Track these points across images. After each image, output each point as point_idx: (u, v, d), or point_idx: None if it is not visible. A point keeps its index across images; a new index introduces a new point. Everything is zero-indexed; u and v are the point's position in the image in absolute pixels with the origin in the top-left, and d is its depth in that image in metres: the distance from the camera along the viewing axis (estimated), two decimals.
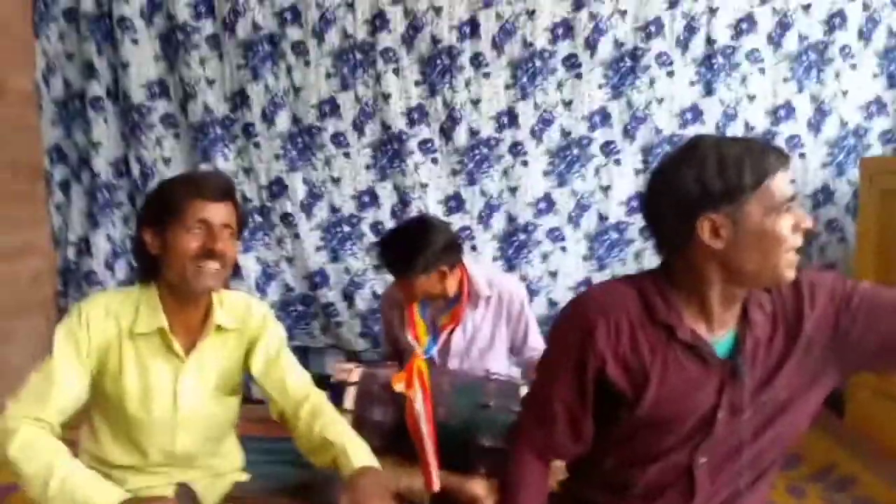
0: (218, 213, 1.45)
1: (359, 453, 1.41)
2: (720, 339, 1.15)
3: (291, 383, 1.57)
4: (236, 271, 3.11)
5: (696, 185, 1.07)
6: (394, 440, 2.06)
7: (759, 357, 1.14)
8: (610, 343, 1.14)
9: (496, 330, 2.32)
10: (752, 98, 2.92)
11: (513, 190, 3.06)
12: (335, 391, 2.20)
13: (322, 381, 3.31)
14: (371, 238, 3.12)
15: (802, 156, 2.93)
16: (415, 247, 2.14)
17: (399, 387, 2.05)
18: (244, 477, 1.71)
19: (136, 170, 3.16)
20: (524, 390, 2.09)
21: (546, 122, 3.01)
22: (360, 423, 2.07)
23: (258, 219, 3.16)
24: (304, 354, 3.21)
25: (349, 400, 2.12)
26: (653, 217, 1.19)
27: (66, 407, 1.42)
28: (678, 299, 1.15)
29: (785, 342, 1.14)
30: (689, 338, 1.13)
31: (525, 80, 2.99)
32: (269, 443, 2.26)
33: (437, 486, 1.98)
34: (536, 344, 2.34)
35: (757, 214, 1.06)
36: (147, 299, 1.49)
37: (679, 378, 1.13)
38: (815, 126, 2.91)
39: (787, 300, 1.16)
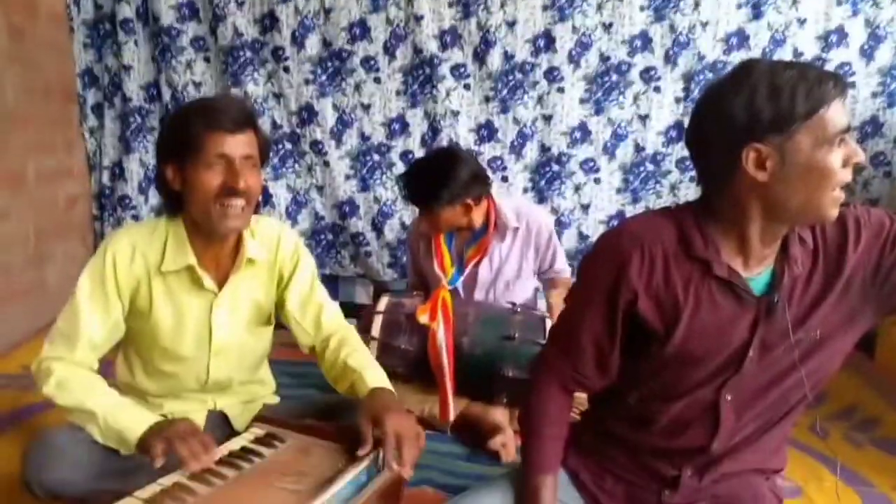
0: (238, 145, 1.37)
1: (375, 377, 1.44)
2: (757, 275, 1.12)
3: (325, 321, 1.59)
4: (267, 199, 3.13)
5: (745, 113, 1.01)
6: (418, 368, 2.10)
7: (796, 294, 1.11)
8: (643, 276, 1.12)
9: (523, 261, 2.32)
10: (802, 22, 2.76)
11: (547, 118, 2.98)
12: (363, 320, 2.24)
13: (351, 309, 3.40)
14: (401, 167, 3.09)
15: (853, 84, 2.77)
16: (440, 179, 2.12)
17: (423, 318, 2.07)
18: (275, 400, 1.77)
19: (167, 94, 3.16)
20: (549, 324, 2.09)
21: (584, 46, 2.90)
22: (386, 351, 2.12)
23: (288, 146, 3.15)
24: (333, 283, 3.26)
25: (376, 328, 2.15)
26: (696, 145, 1.13)
27: (96, 344, 1.44)
28: (716, 234, 1.11)
29: (824, 280, 1.11)
30: (725, 274, 1.10)
31: (563, 0, 2.86)
32: (298, 367, 2.33)
33: (451, 416, 2.03)
34: (562, 267, 2.34)
35: (807, 146, 1.00)
36: (174, 234, 1.46)
37: (712, 315, 1.11)
38: (867, 53, 2.75)
39: (830, 236, 1.12)
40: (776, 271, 1.12)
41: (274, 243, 1.57)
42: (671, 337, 1.11)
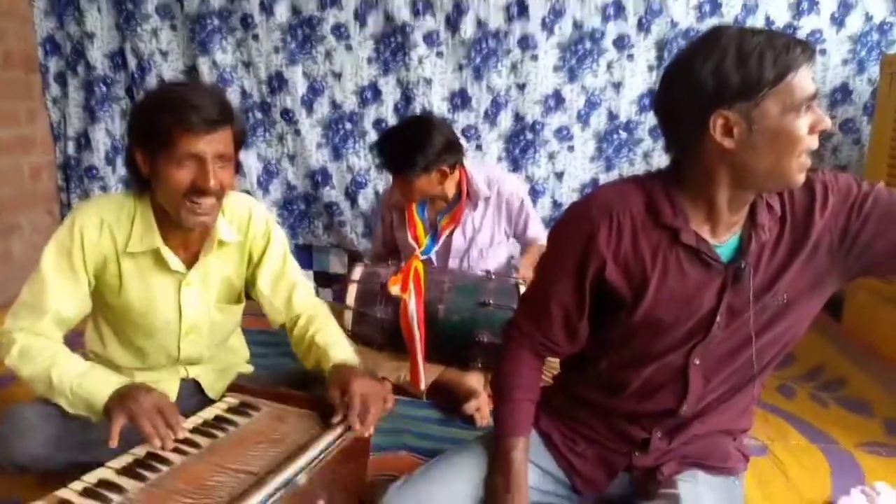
0: (210, 144, 1.31)
1: (339, 353, 1.44)
2: (725, 242, 1.13)
3: (296, 300, 1.59)
4: (237, 168, 3.07)
5: (713, 79, 1.02)
6: (393, 336, 2.11)
7: (763, 260, 1.12)
8: (611, 244, 1.13)
9: (496, 228, 2.32)
10: None
11: (520, 86, 2.96)
12: (338, 288, 2.23)
13: (325, 278, 3.38)
14: (373, 136, 3.05)
15: (823, 52, 2.79)
16: (415, 145, 2.10)
17: (395, 289, 2.07)
18: (248, 369, 1.77)
19: (132, 62, 3.07)
20: (523, 290, 2.11)
21: (557, 13, 2.87)
22: (362, 320, 2.12)
23: (259, 115, 3.10)
24: (307, 252, 3.23)
25: (351, 297, 2.15)
26: (664, 112, 1.13)
27: (63, 316, 1.42)
28: (685, 201, 1.12)
29: (791, 245, 1.13)
30: (693, 241, 1.11)
31: None
32: (271, 336, 2.32)
33: (423, 385, 2.05)
34: (535, 234, 2.34)
35: (774, 112, 1.01)
36: (142, 214, 1.42)
37: (679, 282, 1.12)
38: (838, 21, 2.77)
39: (797, 202, 1.13)
40: (743, 238, 1.13)
41: (245, 222, 1.54)
42: (639, 304, 1.13)
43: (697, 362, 1.16)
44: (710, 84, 1.02)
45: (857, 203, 1.11)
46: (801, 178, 1.06)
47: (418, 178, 2.14)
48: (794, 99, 1.00)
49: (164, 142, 1.29)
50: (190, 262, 1.48)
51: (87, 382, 1.30)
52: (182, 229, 1.42)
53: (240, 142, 1.42)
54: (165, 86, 1.57)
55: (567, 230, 1.19)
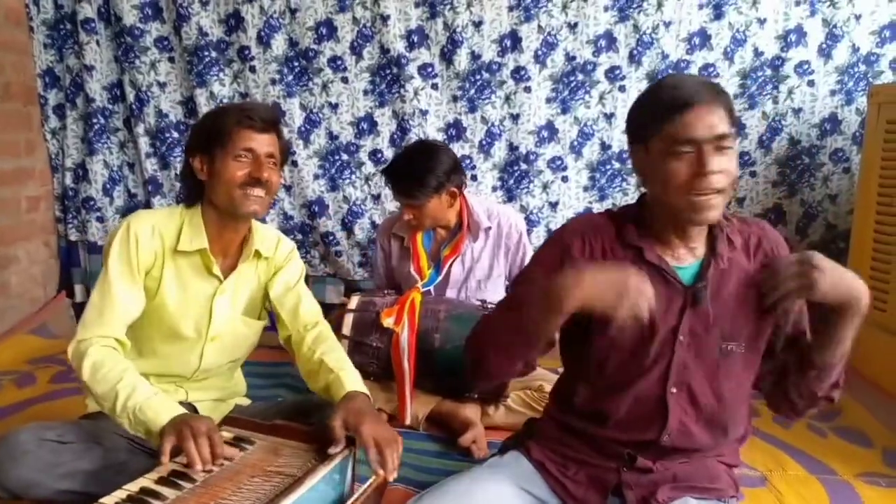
0: (263, 142, 1.52)
1: (351, 380, 1.47)
2: (687, 265, 1.24)
3: (303, 310, 1.66)
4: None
5: (631, 118, 1.24)
6: (388, 366, 2.10)
7: (724, 287, 1.22)
8: (584, 257, 1.24)
9: (494, 261, 2.33)
10: (762, 22, 2.81)
11: (514, 117, 3.00)
12: (335, 319, 2.23)
13: (322, 308, 3.36)
14: (370, 166, 3.09)
15: (811, 83, 2.84)
16: (425, 167, 2.13)
17: (388, 322, 2.07)
18: (246, 402, 1.78)
19: (130, 94, 3.11)
20: None
21: (550, 45, 2.92)
22: (357, 349, 2.12)
23: None
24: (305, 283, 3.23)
25: (347, 326, 2.15)
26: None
27: (127, 319, 1.50)
28: (648, 227, 1.25)
29: (750, 280, 1.23)
30: (656, 259, 1.22)
31: (529, 0, 2.89)
32: (270, 367, 2.32)
33: (408, 420, 2.04)
34: None
35: (657, 152, 1.16)
36: (191, 219, 1.56)
37: None
38: (825, 52, 2.82)
39: (761, 243, 1.26)
40: (704, 264, 1.24)
41: (274, 244, 1.69)
42: (609, 320, 1.15)
43: (674, 391, 1.23)
44: (632, 121, 1.25)
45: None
46: (699, 215, 1.15)
47: (430, 201, 2.15)
48: (673, 142, 1.13)
49: (224, 139, 1.50)
50: (225, 273, 1.60)
51: (149, 408, 1.32)
52: (225, 236, 1.58)
53: (285, 154, 1.61)
54: (225, 104, 1.73)
55: (544, 249, 1.33)
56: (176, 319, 1.56)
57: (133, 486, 1.17)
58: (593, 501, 1.28)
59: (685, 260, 1.24)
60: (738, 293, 1.22)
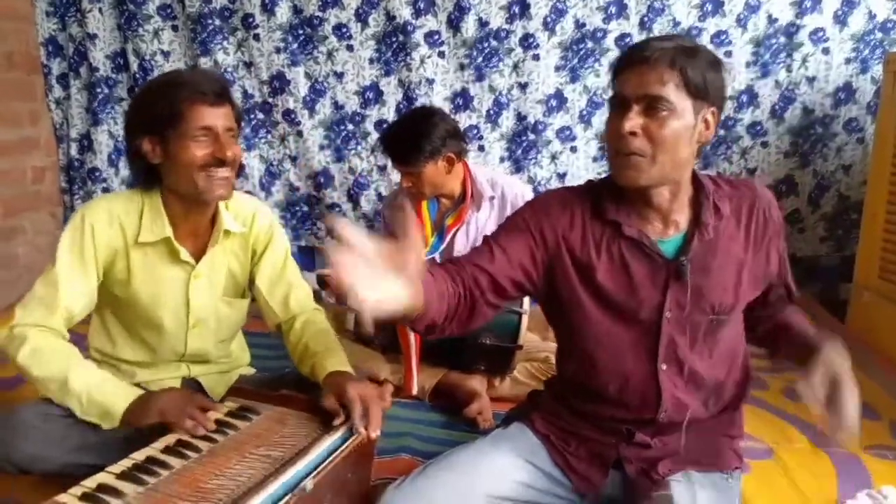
0: (220, 117, 1.38)
1: (334, 361, 1.45)
2: (668, 238, 1.19)
3: (293, 302, 1.60)
4: (240, 170, 3.07)
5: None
6: (394, 338, 2.10)
7: (712, 259, 1.18)
8: (563, 222, 1.21)
9: None
10: None
11: (523, 86, 2.95)
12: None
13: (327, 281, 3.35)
14: (376, 137, 3.05)
15: (826, 51, 2.78)
16: (420, 132, 2.10)
17: None
18: (250, 371, 1.77)
19: (134, 64, 3.07)
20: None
21: (559, 12, 2.86)
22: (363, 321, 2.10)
23: (260, 116, 3.09)
24: (309, 254, 3.23)
25: None
26: None
27: (73, 313, 1.43)
28: (627, 200, 1.19)
29: (744, 244, 1.20)
30: (635, 234, 1.17)
31: None
32: (273, 339, 2.31)
33: (414, 391, 2.04)
34: None
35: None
36: (150, 206, 1.45)
37: (623, 274, 1.18)
38: (841, 19, 2.75)
39: (750, 206, 1.22)
40: (687, 235, 1.19)
41: (249, 218, 1.57)
42: (588, 290, 1.17)
43: (664, 367, 1.20)
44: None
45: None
46: (622, 176, 1.13)
47: (426, 167, 2.12)
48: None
49: (177, 119, 1.35)
50: (197, 256, 1.51)
51: (105, 390, 1.32)
52: (190, 219, 1.47)
53: (239, 120, 1.47)
54: (164, 73, 1.63)
55: (524, 208, 1.27)
56: (153, 310, 1.49)
57: (139, 455, 1.18)
58: (595, 475, 1.28)
59: (667, 233, 1.19)
60: (727, 263, 1.19)
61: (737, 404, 1.32)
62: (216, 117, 1.37)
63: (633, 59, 1.10)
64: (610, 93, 1.17)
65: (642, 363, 1.21)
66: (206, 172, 1.37)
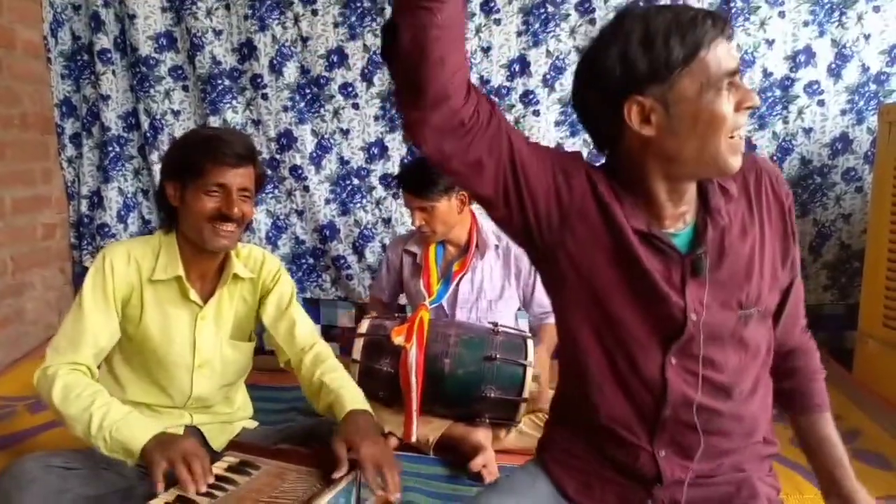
0: (236, 177, 1.48)
1: (352, 398, 1.47)
2: (679, 231, 1.06)
3: (299, 333, 1.64)
4: (247, 224, 3.12)
5: (620, 65, 0.96)
6: (398, 390, 2.09)
7: (731, 245, 1.05)
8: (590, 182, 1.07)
9: (505, 282, 2.34)
10: (770, 43, 2.82)
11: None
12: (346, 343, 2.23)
13: (333, 332, 3.37)
14: (380, 191, 3.11)
15: (822, 103, 2.83)
16: (435, 170, 2.14)
17: (399, 340, 2.07)
18: (252, 425, 1.77)
19: (145, 123, 3.15)
20: (531, 344, 2.10)
21: (558, 69, 2.94)
22: (368, 374, 2.11)
23: (268, 172, 3.15)
24: (314, 306, 3.24)
25: (357, 351, 2.15)
26: (580, 108, 1.07)
27: (100, 349, 1.50)
28: (625, 197, 1.05)
29: (759, 224, 1.07)
30: (644, 227, 1.03)
31: (537, 25, 2.91)
32: (277, 391, 2.31)
33: (414, 438, 2.03)
34: (544, 301, 2.33)
35: (692, 92, 0.94)
36: (166, 247, 1.55)
37: (634, 271, 1.04)
38: (835, 72, 2.82)
39: (756, 179, 1.09)
40: (699, 226, 1.06)
41: (258, 264, 1.67)
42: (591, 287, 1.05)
43: (674, 362, 1.05)
44: (617, 71, 0.97)
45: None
46: (734, 160, 0.98)
47: (440, 201, 2.17)
48: (710, 76, 0.94)
49: (195, 172, 1.47)
50: (205, 298, 1.59)
51: (125, 427, 1.33)
52: (202, 262, 1.57)
53: (260, 183, 1.58)
54: (200, 128, 1.72)
55: (554, 150, 1.11)
56: (162, 346, 1.56)
57: None
58: None
59: (675, 225, 1.06)
60: (747, 249, 1.05)
61: (761, 410, 1.16)
62: (233, 176, 1.48)
63: (721, 27, 0.95)
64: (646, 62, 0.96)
65: (653, 356, 1.06)
66: (212, 224, 1.48)
